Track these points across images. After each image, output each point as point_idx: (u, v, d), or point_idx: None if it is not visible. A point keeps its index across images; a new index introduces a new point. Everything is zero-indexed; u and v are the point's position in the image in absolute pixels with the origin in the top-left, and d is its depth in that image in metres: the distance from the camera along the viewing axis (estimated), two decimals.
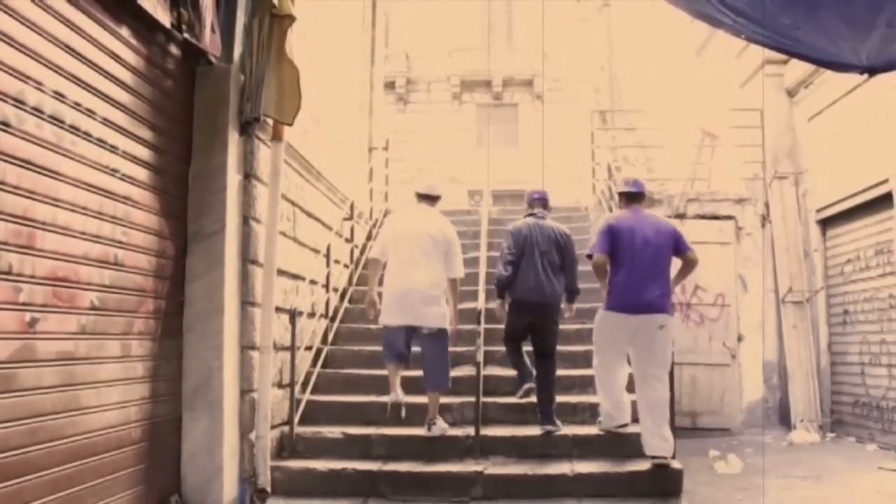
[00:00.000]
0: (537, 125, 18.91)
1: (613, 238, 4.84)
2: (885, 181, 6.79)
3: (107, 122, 3.53)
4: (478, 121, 19.61)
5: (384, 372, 5.66)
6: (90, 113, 3.39)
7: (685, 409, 7.93)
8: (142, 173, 3.87)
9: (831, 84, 7.49)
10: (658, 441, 4.65)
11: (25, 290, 2.95)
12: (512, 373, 5.76)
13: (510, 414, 5.43)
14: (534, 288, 5.27)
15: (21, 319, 2.94)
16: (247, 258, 4.63)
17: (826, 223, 8.26)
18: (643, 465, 4.76)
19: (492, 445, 5.01)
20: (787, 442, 7.39)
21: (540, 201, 5.65)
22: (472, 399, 5.24)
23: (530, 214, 5.59)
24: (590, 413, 5.36)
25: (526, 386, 5.43)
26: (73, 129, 3.27)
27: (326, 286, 6.31)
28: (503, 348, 5.90)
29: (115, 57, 3.59)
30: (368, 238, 8.07)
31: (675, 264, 5.01)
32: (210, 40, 4.22)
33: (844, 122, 7.53)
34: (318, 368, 5.84)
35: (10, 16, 2.86)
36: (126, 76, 3.70)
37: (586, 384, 5.68)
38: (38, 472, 3.00)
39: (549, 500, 4.53)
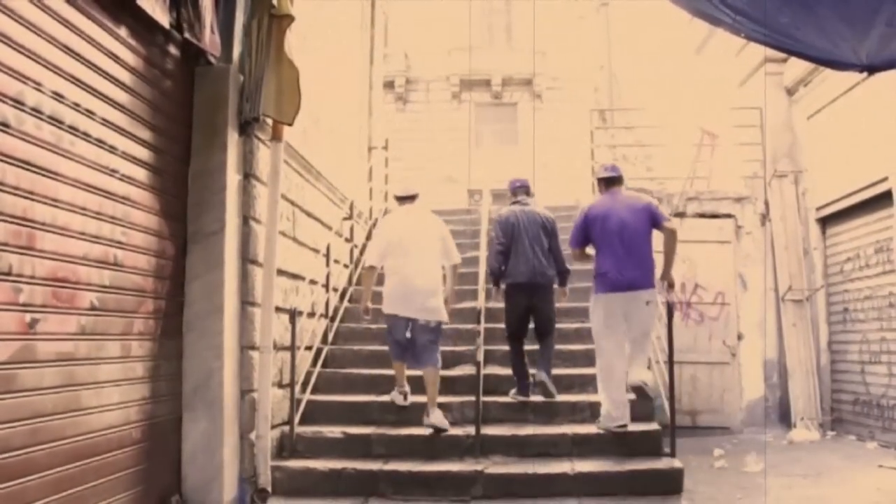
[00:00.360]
0: (537, 124, 18.93)
1: (588, 228, 5.16)
2: (885, 179, 6.79)
3: (106, 122, 3.53)
4: (477, 120, 19.60)
5: (384, 371, 5.70)
6: (89, 113, 3.39)
7: (685, 408, 7.93)
8: (141, 173, 3.87)
9: (831, 82, 7.49)
10: (643, 371, 5.09)
11: (25, 291, 2.95)
12: (512, 372, 5.77)
13: (510, 413, 5.43)
14: (526, 271, 5.48)
15: (21, 320, 2.94)
16: (246, 258, 4.63)
17: (826, 221, 8.26)
18: (644, 464, 4.77)
19: (492, 444, 5.01)
20: (787, 440, 7.39)
21: (522, 189, 5.85)
22: (473, 398, 5.24)
23: (515, 202, 5.78)
24: (590, 412, 5.36)
25: (520, 397, 5.48)
26: (73, 130, 3.27)
27: (326, 286, 6.31)
28: (503, 347, 5.91)
29: (114, 57, 3.59)
30: (368, 237, 8.06)
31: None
32: (210, 40, 4.22)
33: (844, 120, 7.52)
34: (318, 368, 5.84)
35: (9, 16, 2.86)
36: (125, 76, 3.70)
37: (586, 383, 5.69)
38: (40, 473, 3.00)
39: (550, 500, 4.52)
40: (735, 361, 8.28)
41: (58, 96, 3.16)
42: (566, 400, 5.51)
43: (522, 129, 19.23)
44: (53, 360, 3.14)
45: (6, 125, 2.85)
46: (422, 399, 5.37)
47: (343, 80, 7.58)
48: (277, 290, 4.85)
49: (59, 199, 3.18)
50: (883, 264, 7.11)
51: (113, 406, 3.60)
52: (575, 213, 5.64)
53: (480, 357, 5.30)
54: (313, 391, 5.59)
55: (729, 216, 8.56)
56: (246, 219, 4.63)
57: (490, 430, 5.11)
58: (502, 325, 6.10)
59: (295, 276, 5.53)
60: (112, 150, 3.59)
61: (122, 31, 3.65)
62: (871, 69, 3.97)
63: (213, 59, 4.38)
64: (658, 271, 5.16)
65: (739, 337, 8.33)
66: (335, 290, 6.62)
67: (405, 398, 5.36)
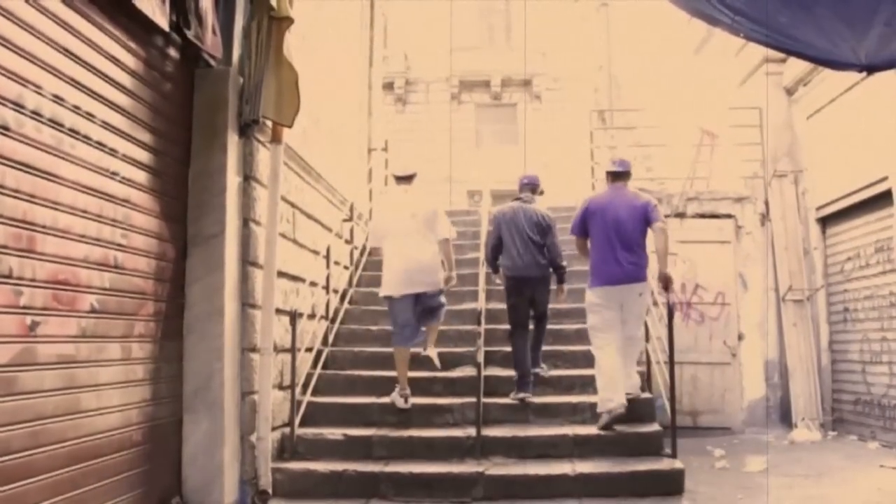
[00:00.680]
0: (536, 125, 18.95)
1: (586, 219, 5.36)
2: (885, 179, 6.78)
3: (106, 125, 3.54)
4: (477, 121, 19.62)
5: (385, 373, 5.69)
6: (89, 116, 3.40)
7: (686, 409, 7.93)
8: (141, 176, 3.88)
9: (830, 82, 7.49)
10: (626, 380, 5.21)
11: (26, 294, 2.96)
12: (512, 372, 5.73)
13: (511, 414, 5.43)
14: (522, 266, 5.68)
15: (22, 323, 2.94)
16: (247, 260, 4.63)
17: (826, 221, 8.25)
18: (645, 465, 4.77)
19: (492, 446, 5.01)
20: (788, 440, 7.39)
21: (529, 186, 6.01)
22: (473, 400, 5.24)
23: (517, 198, 5.94)
24: (590, 413, 5.36)
25: (521, 395, 5.48)
26: (73, 133, 3.27)
27: (326, 288, 6.31)
28: (504, 349, 5.92)
29: (113, 60, 3.59)
30: (368, 239, 8.07)
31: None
32: (211, 42, 4.23)
33: (843, 119, 7.52)
34: (318, 370, 5.83)
35: (9, 19, 2.86)
36: (125, 79, 3.70)
37: (587, 384, 5.68)
38: (41, 475, 3.01)
39: (551, 501, 4.52)
40: (736, 361, 8.27)
41: (58, 99, 3.16)
42: (567, 401, 5.51)
43: (522, 129, 19.25)
44: (54, 363, 3.14)
45: (6, 128, 2.85)
46: (422, 401, 5.41)
47: (342, 81, 7.59)
48: (278, 291, 4.86)
49: (60, 201, 3.19)
50: (883, 264, 7.10)
51: (113, 408, 3.60)
52: (574, 214, 5.67)
53: (481, 358, 5.30)
54: (314, 393, 5.59)
55: (729, 216, 8.56)
56: (246, 221, 4.63)
57: (490, 432, 5.11)
58: (502, 327, 6.12)
59: (295, 278, 5.53)
60: (112, 152, 3.60)
61: (122, 34, 3.65)
62: (871, 69, 3.97)
63: (212, 62, 4.39)
64: (653, 270, 5.25)
65: (740, 337, 8.32)
66: (335, 291, 6.62)
67: (406, 401, 5.35)
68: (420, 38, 19.11)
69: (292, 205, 5.57)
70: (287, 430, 5.12)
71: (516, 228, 5.70)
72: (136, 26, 3.73)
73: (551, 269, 5.77)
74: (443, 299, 5.64)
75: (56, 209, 3.16)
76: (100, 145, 3.49)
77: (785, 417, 8.12)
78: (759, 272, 8.45)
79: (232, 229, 4.43)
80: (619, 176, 5.45)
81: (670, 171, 9.38)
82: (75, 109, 3.29)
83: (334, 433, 5.15)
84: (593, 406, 5.38)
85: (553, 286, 5.88)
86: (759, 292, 8.42)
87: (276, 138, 4.75)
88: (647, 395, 5.52)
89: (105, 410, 3.52)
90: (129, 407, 3.75)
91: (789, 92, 8.69)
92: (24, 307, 2.94)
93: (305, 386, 5.53)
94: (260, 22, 4.52)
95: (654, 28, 11.61)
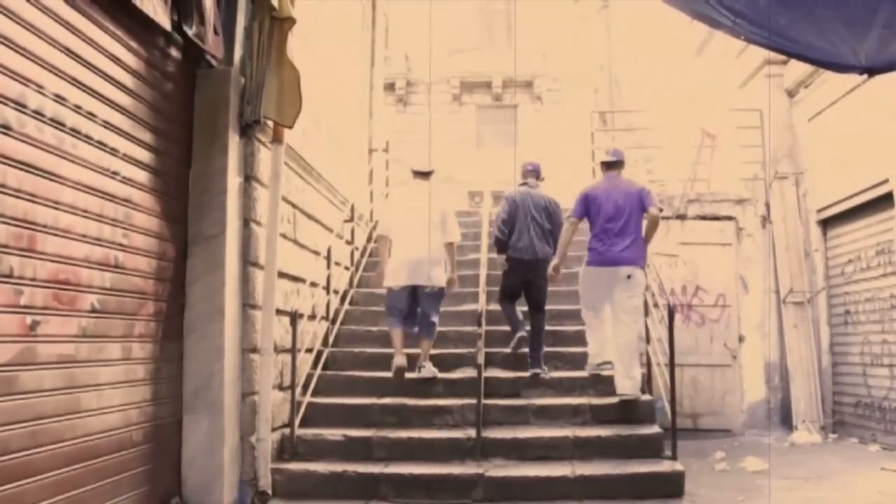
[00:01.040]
0: (537, 126, 18.95)
1: (587, 205, 5.64)
2: (886, 181, 6.78)
3: (107, 124, 3.54)
4: (478, 122, 19.63)
5: (385, 374, 5.70)
6: (91, 116, 3.40)
7: (686, 411, 7.92)
8: (142, 176, 3.88)
9: (831, 84, 7.49)
10: (625, 381, 5.33)
11: (26, 293, 2.95)
12: (512, 374, 5.80)
13: (511, 416, 5.42)
14: (526, 247, 5.90)
15: (22, 322, 2.94)
16: (247, 260, 4.63)
17: (827, 223, 8.25)
18: (645, 467, 4.77)
19: (492, 447, 5.01)
20: (788, 443, 7.38)
21: (533, 172, 6.25)
22: (473, 401, 5.24)
23: (523, 184, 6.18)
24: (591, 415, 5.36)
25: (518, 335, 5.86)
26: (74, 132, 3.27)
27: (327, 288, 6.30)
28: (504, 350, 5.98)
29: (115, 60, 3.59)
30: (369, 240, 8.06)
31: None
32: (213, 42, 4.23)
33: (844, 122, 7.52)
34: (318, 370, 5.83)
35: (11, 19, 2.86)
36: (126, 79, 3.70)
37: (587, 386, 5.69)
38: (40, 475, 3.00)
39: (550, 503, 4.52)
40: (736, 364, 8.26)
41: (59, 99, 3.16)
42: (567, 403, 5.50)
43: (523, 130, 19.26)
44: (54, 363, 3.14)
45: (8, 127, 2.85)
46: (422, 402, 5.42)
47: (344, 81, 7.59)
48: (278, 292, 4.85)
49: (61, 201, 3.18)
50: (884, 266, 7.10)
51: (113, 408, 3.60)
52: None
53: (481, 360, 5.30)
54: (314, 394, 5.58)
55: (730, 218, 8.55)
56: (247, 221, 4.63)
57: (491, 433, 5.10)
58: (503, 328, 6.13)
59: (296, 279, 5.53)
60: (113, 152, 3.60)
61: (124, 34, 3.65)
62: (871, 71, 3.97)
63: (214, 62, 4.39)
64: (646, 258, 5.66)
65: (740, 339, 8.32)
66: (336, 292, 6.62)
67: (404, 361, 5.61)
68: (421, 39, 19.11)
69: (293, 205, 5.56)
70: (287, 430, 5.11)
71: (525, 212, 5.94)
72: (138, 26, 3.73)
73: (552, 254, 5.95)
74: (435, 318, 5.66)
75: (57, 209, 3.16)
76: (101, 145, 3.49)
77: (785, 420, 8.11)
78: (760, 274, 8.44)
79: (233, 229, 4.42)
80: (613, 165, 5.77)
81: (671, 173, 9.39)
82: (77, 109, 3.28)
83: (334, 434, 5.15)
84: (594, 408, 5.40)
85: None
86: (759, 294, 8.41)
87: (277, 139, 4.75)
88: (646, 396, 5.52)
89: (105, 410, 3.52)
90: (130, 407, 3.75)
91: (790, 94, 8.69)
92: (24, 307, 2.94)
93: (306, 387, 5.52)
94: (262, 22, 4.53)
95: (654, 29, 11.60)
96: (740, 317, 8.36)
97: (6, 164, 2.85)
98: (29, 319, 2.97)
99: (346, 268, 7.18)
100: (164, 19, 3.76)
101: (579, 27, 17.85)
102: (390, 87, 18.00)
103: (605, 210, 5.51)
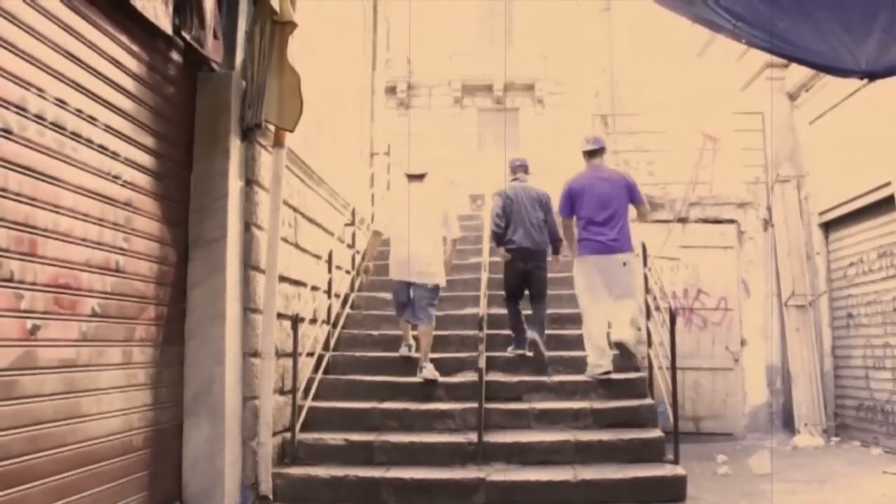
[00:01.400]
0: (538, 129, 18.94)
1: (572, 199, 5.77)
2: (888, 184, 6.77)
3: (108, 128, 3.54)
4: (479, 125, 19.62)
5: (387, 378, 5.71)
6: (92, 119, 3.40)
7: (688, 414, 7.90)
8: (143, 179, 3.88)
9: (832, 87, 7.48)
10: (628, 330, 5.68)
11: (27, 298, 2.95)
12: (514, 378, 5.79)
13: (512, 420, 5.41)
14: (521, 239, 6.11)
15: (22, 327, 2.93)
16: (248, 264, 4.62)
17: (828, 226, 8.24)
18: (647, 471, 4.75)
19: (494, 451, 5.00)
20: (790, 446, 7.36)
21: (521, 168, 6.49)
22: (475, 405, 5.22)
23: (514, 179, 6.41)
24: (592, 419, 5.35)
25: (518, 351, 5.99)
26: (75, 136, 3.27)
27: (328, 292, 6.30)
28: (505, 354, 6.01)
29: (116, 63, 3.59)
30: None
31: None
32: (213, 46, 4.23)
33: (846, 125, 7.51)
34: (319, 374, 5.82)
35: (12, 22, 2.86)
36: (127, 83, 3.70)
37: (589, 390, 5.68)
38: (41, 480, 2.99)
39: None
40: (738, 367, 8.24)
41: (60, 102, 3.16)
42: (568, 407, 5.49)
43: (524, 134, 19.25)
44: (54, 367, 3.13)
45: (9, 131, 2.85)
46: (424, 406, 5.40)
47: (345, 85, 7.59)
48: (279, 296, 4.85)
49: (62, 205, 3.18)
50: (886, 269, 7.09)
51: (114, 413, 3.59)
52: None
53: (482, 363, 5.29)
54: (315, 398, 5.57)
55: (731, 221, 8.54)
56: (248, 225, 4.63)
57: (492, 437, 5.09)
58: (504, 332, 6.12)
59: (297, 283, 5.52)
60: (114, 156, 3.60)
61: (125, 37, 3.65)
62: (871, 76, 3.96)
63: (215, 66, 4.39)
64: (634, 242, 5.82)
65: (742, 342, 8.30)
66: (337, 296, 6.61)
67: (410, 350, 6.01)
68: (423, 42, 19.11)
69: (294, 209, 5.56)
70: (288, 434, 5.10)
71: (519, 205, 6.16)
72: (139, 29, 3.73)
73: (548, 243, 6.25)
74: (432, 311, 5.84)
75: (58, 213, 3.16)
76: (102, 149, 3.48)
77: (787, 423, 8.09)
78: (762, 277, 8.43)
79: (233, 233, 4.42)
80: (594, 153, 5.89)
81: (672, 176, 9.37)
82: (77, 113, 3.28)
83: (335, 438, 5.14)
84: (595, 411, 5.39)
85: (549, 260, 6.34)
86: (761, 298, 8.40)
87: (278, 142, 4.75)
88: (648, 400, 5.52)
89: (106, 415, 3.51)
90: (130, 411, 3.74)
91: (792, 97, 8.68)
92: (24, 311, 2.94)
93: (307, 391, 5.51)
94: (263, 26, 4.53)
95: (656, 32, 11.60)
96: (742, 320, 8.34)
97: (7, 167, 2.85)
98: (29, 323, 2.97)
99: (348, 271, 7.18)
100: (164, 23, 3.77)
101: (581, 30, 17.84)
102: (391, 90, 17.99)
103: (593, 200, 5.65)
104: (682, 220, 8.39)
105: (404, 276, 5.82)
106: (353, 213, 7.30)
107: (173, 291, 4.17)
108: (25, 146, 2.95)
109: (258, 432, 4.60)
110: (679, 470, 4.78)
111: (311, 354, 5.70)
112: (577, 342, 6.22)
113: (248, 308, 4.61)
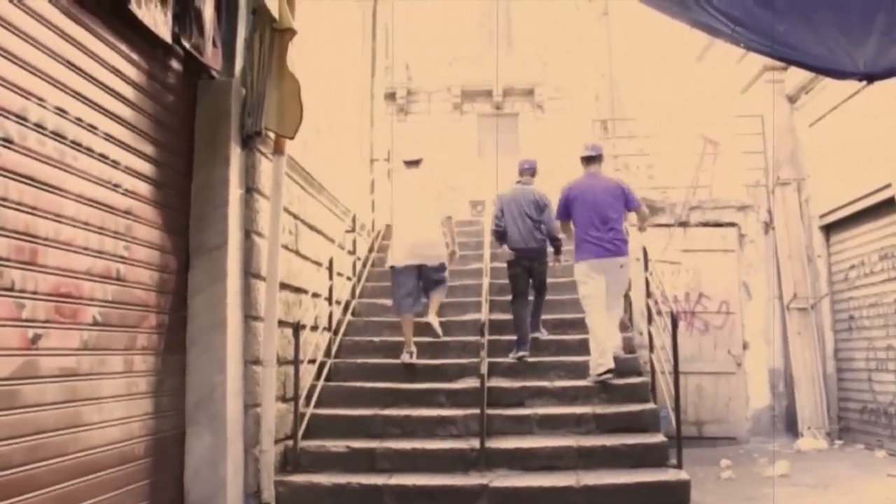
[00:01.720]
0: (538, 134, 18.95)
1: (568, 204, 5.95)
2: (888, 186, 6.77)
3: (109, 137, 3.54)
4: (479, 130, 19.64)
5: (389, 384, 5.69)
6: (92, 128, 3.40)
7: (691, 418, 7.88)
8: (144, 188, 3.88)
9: (832, 90, 7.49)
10: (611, 343, 5.77)
11: (28, 307, 2.95)
12: (516, 383, 5.77)
13: (515, 426, 5.39)
14: (521, 239, 6.33)
15: (24, 336, 2.93)
16: (249, 272, 4.62)
17: (829, 229, 8.24)
18: (650, 476, 4.74)
19: (496, 458, 4.98)
20: (794, 449, 7.34)
21: (529, 170, 6.69)
22: (477, 411, 5.21)
23: (519, 181, 6.62)
24: (595, 424, 5.33)
25: (520, 353, 6.02)
26: (75, 145, 3.28)
27: (329, 299, 6.29)
28: (507, 360, 5.98)
29: (116, 72, 3.60)
30: (371, 250, 8.06)
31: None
32: (212, 54, 4.24)
33: (846, 127, 7.51)
34: (321, 382, 5.81)
35: (12, 32, 2.87)
36: (127, 91, 3.71)
37: (591, 395, 5.67)
38: (42, 490, 2.98)
39: None
40: (740, 371, 8.23)
41: (61, 111, 3.16)
42: (571, 412, 5.47)
43: (524, 139, 19.27)
44: (56, 376, 3.13)
45: (9, 140, 2.86)
46: (426, 413, 5.38)
47: (345, 91, 7.61)
48: (280, 303, 4.85)
49: (62, 214, 3.18)
50: (888, 271, 7.08)
51: (116, 421, 3.58)
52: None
53: (484, 369, 5.27)
54: (317, 405, 5.56)
55: (732, 225, 8.55)
56: (248, 233, 4.63)
57: (494, 443, 5.07)
58: (506, 337, 6.11)
59: (298, 290, 5.52)
60: (115, 164, 3.60)
61: (124, 46, 3.66)
62: (870, 78, 3.96)
63: (215, 74, 4.40)
64: (630, 244, 5.98)
65: (744, 346, 8.29)
66: (338, 302, 6.61)
67: (411, 356, 5.98)
68: (422, 48, 19.15)
69: (295, 216, 5.56)
70: (290, 442, 5.09)
71: (517, 207, 6.35)
72: (139, 38, 3.74)
73: (548, 243, 6.42)
74: (445, 274, 6.19)
75: (59, 221, 3.15)
76: (102, 157, 3.49)
77: (791, 426, 8.07)
78: (763, 281, 8.42)
79: (234, 241, 4.42)
80: (592, 160, 6.05)
81: (673, 180, 9.37)
82: (78, 121, 3.29)
83: (337, 445, 5.12)
84: (598, 417, 5.37)
85: (551, 265, 6.53)
86: (763, 301, 8.39)
87: (278, 149, 4.76)
88: (651, 405, 5.51)
89: (107, 423, 3.50)
90: (132, 420, 3.73)
91: (791, 99, 8.69)
92: (26, 320, 2.93)
93: (308, 398, 5.50)
94: (262, 34, 4.53)
95: (655, 36, 11.62)
96: (744, 323, 8.33)
97: (8, 177, 2.85)
98: (30, 333, 2.97)
99: (349, 278, 7.18)
100: (164, 31, 3.78)
101: (580, 35, 17.87)
102: (391, 96, 18.01)
103: (589, 205, 5.80)
104: (683, 224, 8.39)
105: (414, 261, 5.97)
106: (354, 220, 7.30)
107: (174, 300, 4.17)
108: (26, 155, 2.95)
109: (260, 440, 4.59)
110: (683, 475, 4.76)
111: (312, 361, 5.69)
112: (579, 347, 6.21)
113: (250, 316, 4.60)
